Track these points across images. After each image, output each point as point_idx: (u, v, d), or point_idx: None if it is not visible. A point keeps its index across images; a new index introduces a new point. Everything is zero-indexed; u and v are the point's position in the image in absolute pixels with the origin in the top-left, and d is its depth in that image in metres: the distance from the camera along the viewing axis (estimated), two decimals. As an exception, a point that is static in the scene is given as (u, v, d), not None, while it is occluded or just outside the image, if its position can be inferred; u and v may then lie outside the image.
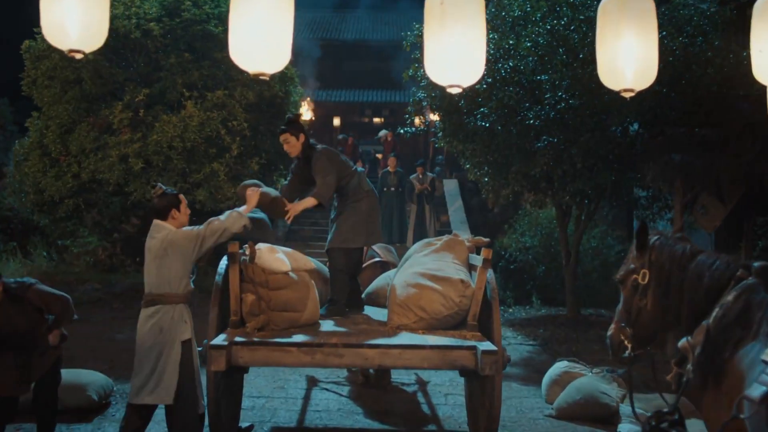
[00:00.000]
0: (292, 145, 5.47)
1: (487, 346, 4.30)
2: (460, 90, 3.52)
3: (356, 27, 26.78)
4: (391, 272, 6.28)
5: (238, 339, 4.33)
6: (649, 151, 9.82)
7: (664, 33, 8.84)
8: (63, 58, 10.78)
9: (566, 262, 11.76)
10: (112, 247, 15.69)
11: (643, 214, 12.03)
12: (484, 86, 9.94)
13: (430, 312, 4.74)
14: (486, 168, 11.07)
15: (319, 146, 5.53)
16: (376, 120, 24.05)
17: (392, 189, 13.51)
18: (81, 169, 11.08)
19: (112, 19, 11.68)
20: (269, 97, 11.73)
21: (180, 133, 10.58)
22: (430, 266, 4.99)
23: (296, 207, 5.35)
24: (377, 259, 7.21)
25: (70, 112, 11.05)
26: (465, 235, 5.53)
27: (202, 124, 10.73)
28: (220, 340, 4.29)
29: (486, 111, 9.81)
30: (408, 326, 4.76)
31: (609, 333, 3.25)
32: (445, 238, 5.38)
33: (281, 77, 12.27)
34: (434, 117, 19.60)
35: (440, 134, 11.19)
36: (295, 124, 5.50)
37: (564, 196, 10.61)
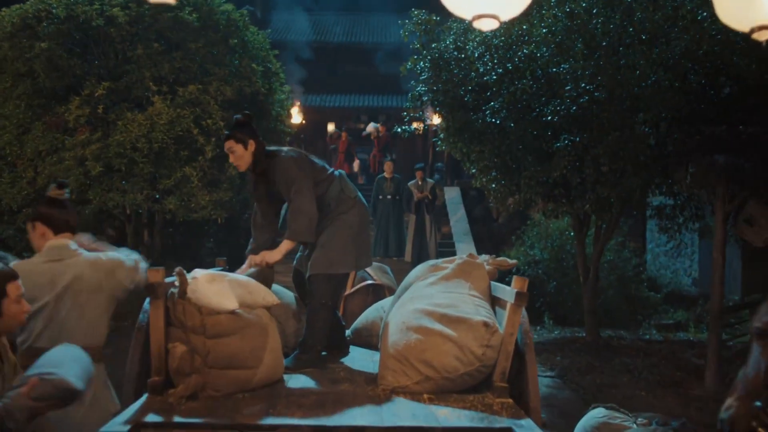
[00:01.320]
0: (239, 156, 4.06)
1: (527, 428, 2.81)
2: (496, 25, 2.10)
3: (351, 29, 25.40)
4: (385, 301, 4.80)
5: (149, 418, 2.81)
6: (684, 153, 8.37)
7: (705, 14, 7.41)
8: (12, 47, 9.32)
9: (584, 279, 10.28)
10: (85, 261, 14.20)
11: (667, 224, 10.57)
12: (494, 77, 8.48)
13: (439, 368, 3.24)
14: (494, 173, 9.60)
15: (282, 150, 4.11)
16: (373, 125, 22.56)
17: (389, 197, 12.02)
18: (37, 174, 9.59)
19: (72, 4, 10.36)
20: (250, 93, 10.26)
21: (145, 132, 9.11)
22: (439, 301, 3.49)
23: (270, 257, 3.96)
24: (368, 281, 5.74)
25: (23, 109, 9.56)
26: (481, 256, 4.04)
27: (171, 122, 9.25)
28: (123, 418, 2.78)
29: (497, 106, 8.35)
30: (408, 388, 3.27)
31: (727, 412, 2.13)
32: (458, 260, 3.88)
33: (264, 71, 10.82)
34: (436, 119, 18.17)
35: (442, 135, 9.72)
36: (242, 127, 4.14)
37: (584, 204, 9.13)
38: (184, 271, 3.22)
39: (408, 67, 9.76)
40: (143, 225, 11.20)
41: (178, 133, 9.32)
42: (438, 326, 3.28)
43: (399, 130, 9.81)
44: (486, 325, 3.26)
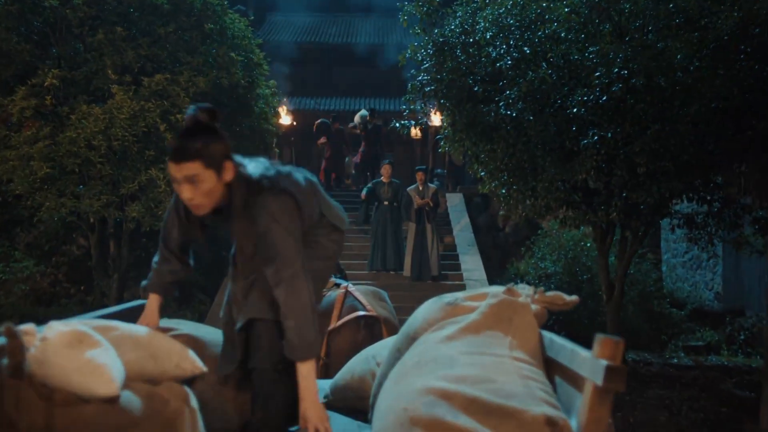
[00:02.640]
0: (206, 189, 2.35)
1: None
2: None
3: (347, 30, 24.06)
4: (380, 346, 3.36)
5: None
6: (733, 151, 7.01)
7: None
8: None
9: (608, 297, 8.89)
10: (55, 273, 12.83)
11: (698, 234, 9.19)
12: (509, 62, 7.11)
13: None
14: (505, 176, 8.20)
15: (275, 181, 2.47)
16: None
17: (386, 203, 10.60)
18: (-16, 177, 8.21)
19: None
20: (228, 86, 8.88)
21: (103, 128, 7.71)
22: (465, 371, 2.05)
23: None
24: (360, 312, 4.33)
25: (-34, 101, 8.19)
26: (519, 286, 2.58)
27: (134, 116, 7.87)
28: None
29: (513, 94, 6.97)
30: None
31: None
32: (490, 299, 2.43)
33: (245, 62, 9.44)
34: (437, 119, 16.77)
35: (447, 132, 8.32)
36: (208, 136, 2.41)
37: (610, 212, 7.72)
38: (23, 330, 1.81)
39: (407, 55, 8.39)
40: (110, 235, 9.79)
41: (142, 130, 7.94)
42: (466, 422, 1.86)
43: (397, 125, 8.39)
44: (551, 422, 1.84)
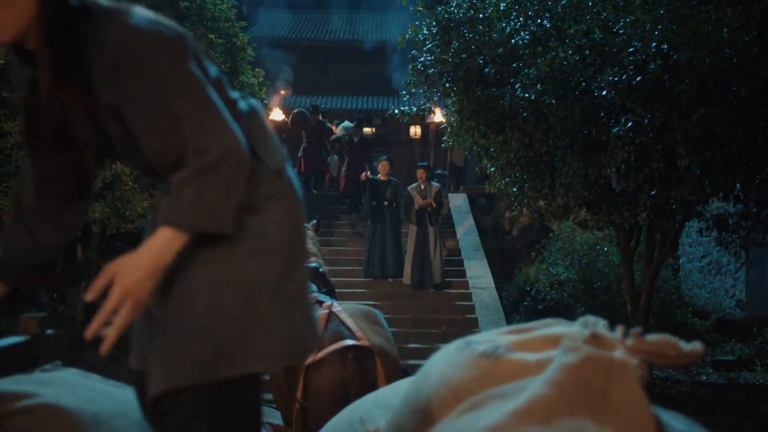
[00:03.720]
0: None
1: None
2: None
3: (344, 27, 23.00)
4: (373, 404, 2.25)
5: None
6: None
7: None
8: None
9: (633, 309, 7.82)
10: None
11: (728, 238, 8.14)
12: (527, 38, 6.04)
13: None
14: (519, 172, 7.14)
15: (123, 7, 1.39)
16: (367, 130, 20.09)
17: (385, 203, 9.51)
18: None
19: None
20: (207, 71, 7.77)
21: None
22: None
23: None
24: (348, 341, 3.24)
25: None
26: (610, 333, 1.46)
27: (95, 103, 6.76)
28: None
29: (532, 74, 5.90)
30: None
31: None
32: (565, 351, 1.35)
33: (227, 45, 8.37)
34: (438, 116, 15.68)
35: (452, 121, 7.24)
36: None
37: (640, 212, 6.65)
38: None
39: (408, 36, 7.32)
40: (77, 238, 8.70)
41: (105, 118, 6.83)
42: None
43: (396, 112, 7.30)
44: None
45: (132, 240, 9.56)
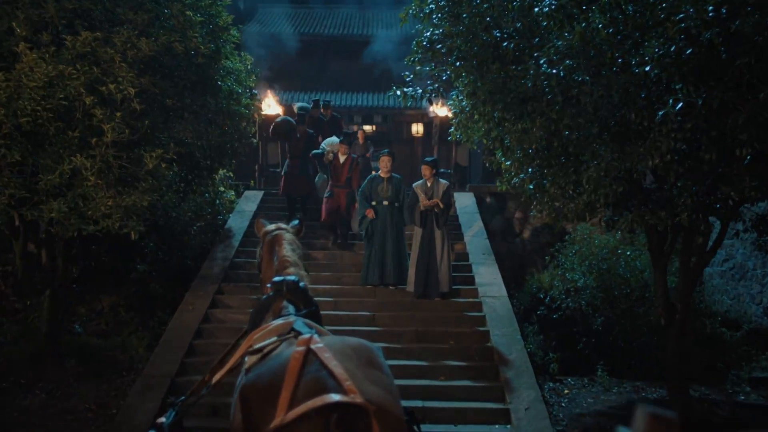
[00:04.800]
0: None
1: None
2: None
3: (344, 21, 22.00)
4: None
5: None
6: None
7: None
8: None
9: (668, 322, 6.81)
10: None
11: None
12: (553, 4, 5.03)
13: None
14: (538, 166, 6.14)
15: None
16: (367, 128, 19.12)
17: (385, 203, 8.48)
18: None
19: None
20: (183, 52, 6.79)
21: (5, 100, 5.63)
22: None
23: None
24: (332, 397, 2.21)
25: None
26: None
27: (50, 85, 5.80)
28: None
29: (560, 46, 4.88)
30: None
31: None
32: None
33: (208, 24, 7.37)
34: (442, 110, 14.64)
35: (463, 105, 6.21)
36: None
37: (681, 211, 5.63)
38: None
39: (411, 12, 6.31)
40: (42, 241, 7.70)
41: (61, 103, 5.85)
42: None
43: (398, 93, 6.26)
44: None
45: (100, 243, 8.58)
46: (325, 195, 9.67)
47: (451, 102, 8.04)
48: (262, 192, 11.61)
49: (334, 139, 10.32)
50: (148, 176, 6.52)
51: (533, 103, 5.29)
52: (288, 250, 3.51)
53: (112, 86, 6.00)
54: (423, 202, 8.08)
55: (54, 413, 6.58)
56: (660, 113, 4.68)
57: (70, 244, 8.15)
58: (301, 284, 3.30)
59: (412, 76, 6.18)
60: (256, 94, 9.26)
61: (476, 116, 6.24)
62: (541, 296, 9.75)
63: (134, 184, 6.45)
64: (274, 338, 2.73)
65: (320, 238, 9.94)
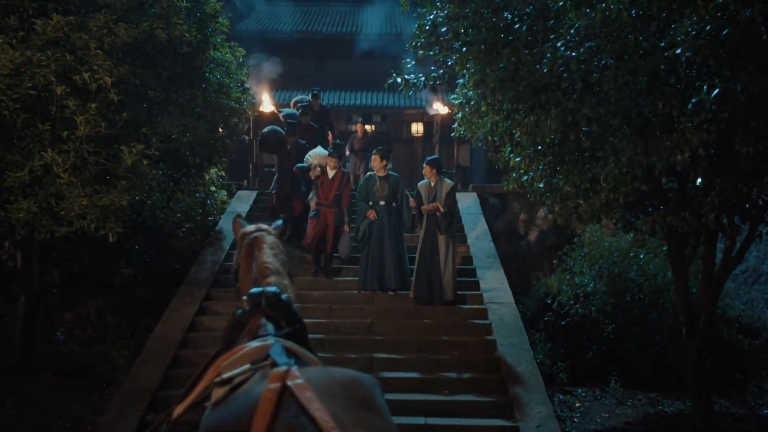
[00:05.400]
0: None
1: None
2: None
3: (342, 19, 21.47)
4: None
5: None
6: None
7: None
8: None
9: (689, 332, 6.27)
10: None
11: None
12: (572, -19, 4.49)
13: None
14: (551, 163, 5.61)
15: None
16: (367, 127, 18.59)
17: (382, 203, 7.91)
18: None
19: None
20: (166, 40, 6.24)
21: (-34, 88, 5.10)
22: None
23: None
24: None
25: None
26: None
27: (16, 73, 5.26)
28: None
29: (579, 27, 4.34)
30: None
31: None
32: None
33: (195, 12, 6.83)
34: (442, 108, 14.09)
35: (472, 96, 5.67)
36: None
37: (708, 211, 5.10)
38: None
39: (412, -5, 5.76)
40: (17, 243, 7.16)
41: (29, 92, 5.31)
42: None
43: (398, 80, 5.70)
44: None
45: (82, 246, 8.01)
46: (310, 214, 8.22)
47: (455, 95, 7.50)
48: (256, 192, 11.05)
49: (321, 150, 8.69)
50: (128, 174, 5.98)
51: (548, 92, 4.75)
52: (269, 255, 2.94)
53: (86, 75, 5.45)
54: (423, 208, 7.49)
55: (25, 430, 6.03)
56: (692, 101, 4.14)
57: (50, 247, 7.62)
58: (284, 297, 2.72)
59: (413, 62, 5.63)
60: (248, 89, 8.71)
61: (483, 108, 5.70)
62: (549, 302, 9.20)
63: (112, 182, 5.91)
64: (247, 366, 2.18)
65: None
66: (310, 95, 11.30)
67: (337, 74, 19.93)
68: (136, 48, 6.09)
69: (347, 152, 11.81)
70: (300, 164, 8.63)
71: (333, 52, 20.37)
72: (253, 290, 2.74)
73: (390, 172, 8.03)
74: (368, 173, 8.24)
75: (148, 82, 6.21)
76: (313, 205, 8.37)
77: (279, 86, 18.59)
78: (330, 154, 8.31)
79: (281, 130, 9.46)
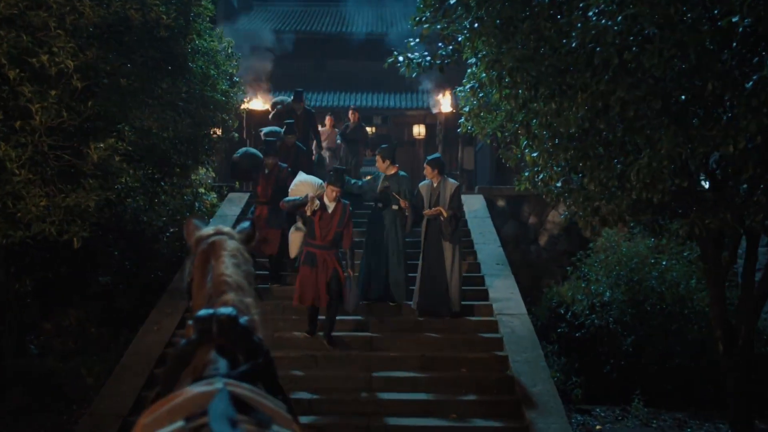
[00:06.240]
0: None
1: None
2: None
3: (342, 19, 20.79)
4: None
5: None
6: None
7: None
8: None
9: (727, 348, 5.53)
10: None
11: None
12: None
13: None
14: (573, 158, 4.88)
15: None
16: (367, 129, 17.92)
17: (380, 206, 7.11)
18: None
19: None
20: (141, 23, 5.53)
21: None
22: None
23: None
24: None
25: None
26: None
27: (-38, 55, 4.55)
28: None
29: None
30: None
31: None
32: None
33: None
34: (447, 105, 13.39)
35: (485, 79, 4.94)
36: None
37: (755, 212, 4.38)
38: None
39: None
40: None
41: (-24, 77, 4.60)
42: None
43: (401, 59, 4.96)
44: None
45: (56, 252, 7.28)
46: (301, 262, 6.36)
47: (461, 89, 6.78)
48: (248, 194, 10.32)
49: (312, 178, 6.93)
50: (96, 171, 5.27)
51: (575, 73, 4.02)
52: (228, 265, 2.20)
53: (44, 58, 4.74)
54: (425, 212, 6.71)
55: (-20, 460, 5.32)
56: (755, 76, 3.41)
57: (21, 254, 6.92)
58: (242, 321, 1.97)
59: (417, 40, 4.90)
60: (237, 82, 8.00)
61: (495, 96, 4.97)
62: (562, 312, 8.47)
63: (78, 181, 5.20)
64: (179, 424, 1.45)
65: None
66: (291, 96, 10.14)
67: (336, 75, 19.23)
68: (107, 30, 5.39)
69: (338, 141, 11.06)
70: (289, 198, 6.55)
71: (332, 52, 19.67)
72: (201, 312, 2.00)
73: (399, 172, 7.22)
74: (377, 174, 7.32)
75: (121, 70, 5.49)
76: (296, 249, 6.73)
77: (277, 87, 17.93)
78: (330, 183, 6.34)
79: (257, 154, 7.76)
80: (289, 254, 7.03)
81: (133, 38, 5.64)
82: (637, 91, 3.87)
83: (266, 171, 7.43)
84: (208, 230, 2.40)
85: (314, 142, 10.11)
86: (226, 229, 2.41)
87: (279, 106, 9.70)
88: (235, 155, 7.89)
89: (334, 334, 6.45)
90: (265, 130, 8.82)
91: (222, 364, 1.85)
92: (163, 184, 7.59)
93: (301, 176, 7.01)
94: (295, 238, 6.78)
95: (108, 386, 5.86)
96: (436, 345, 6.48)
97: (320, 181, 6.83)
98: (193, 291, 2.34)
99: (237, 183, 10.62)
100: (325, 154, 10.87)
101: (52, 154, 4.97)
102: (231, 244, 2.29)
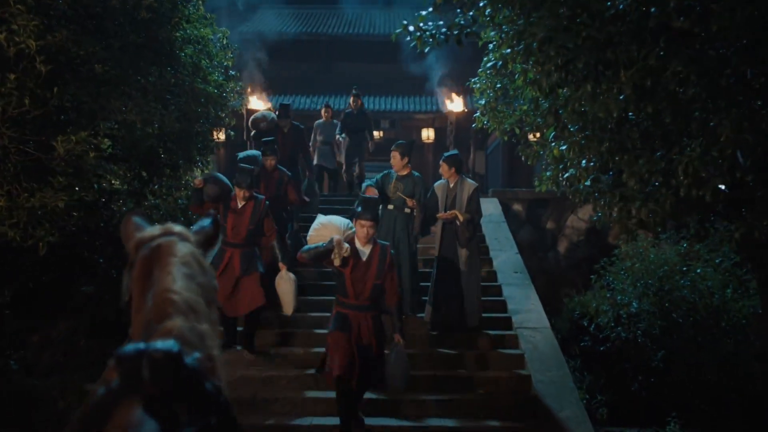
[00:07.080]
0: None
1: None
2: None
3: (348, 21, 20.21)
4: None
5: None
6: None
7: None
8: None
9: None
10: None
11: None
12: None
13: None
14: (607, 152, 4.21)
15: None
16: (375, 133, 17.27)
17: (389, 207, 6.38)
18: None
19: None
20: (119, 5, 4.89)
21: None
22: None
23: None
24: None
25: None
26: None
27: None
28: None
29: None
30: None
31: None
32: None
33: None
34: (457, 104, 12.72)
35: (508, 56, 4.26)
36: None
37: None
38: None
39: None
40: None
41: None
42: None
43: (411, 29, 4.28)
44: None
45: (34, 258, 6.61)
46: (331, 327, 4.75)
47: (475, 80, 6.12)
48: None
49: (338, 219, 5.02)
50: (67, 168, 4.62)
51: (619, 46, 3.33)
52: (176, 277, 1.54)
53: (1, 36, 4.10)
54: (439, 215, 5.97)
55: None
56: None
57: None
58: (188, 360, 1.27)
59: (431, 10, 4.21)
60: (234, 75, 7.35)
61: (518, 82, 4.29)
62: (585, 324, 7.77)
63: (46, 179, 4.55)
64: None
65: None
66: (278, 106, 8.70)
67: (343, 77, 18.64)
68: (80, 11, 4.75)
69: (337, 137, 9.73)
70: (309, 246, 4.81)
71: (339, 54, 19.13)
72: (127, 348, 1.33)
73: (413, 172, 6.48)
74: (386, 172, 6.57)
75: (96, 54, 4.84)
76: (291, 302, 5.61)
77: (282, 90, 17.38)
78: (359, 218, 4.68)
79: (223, 180, 5.85)
80: (284, 311, 5.75)
81: (111, 20, 5.00)
82: (695, 65, 3.18)
83: (239, 204, 5.74)
84: (152, 230, 1.71)
85: (305, 161, 8.75)
86: (178, 228, 1.71)
87: (263, 124, 8.03)
88: (202, 177, 6.01)
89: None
90: (241, 154, 6.98)
91: (151, 426, 1.18)
92: (152, 185, 6.94)
93: (321, 218, 5.15)
94: (286, 288, 5.63)
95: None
96: (449, 362, 5.77)
97: (347, 221, 5.00)
98: (132, 312, 1.67)
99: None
100: (324, 147, 9.98)
101: (13, 148, 4.32)
102: (183, 249, 1.60)
